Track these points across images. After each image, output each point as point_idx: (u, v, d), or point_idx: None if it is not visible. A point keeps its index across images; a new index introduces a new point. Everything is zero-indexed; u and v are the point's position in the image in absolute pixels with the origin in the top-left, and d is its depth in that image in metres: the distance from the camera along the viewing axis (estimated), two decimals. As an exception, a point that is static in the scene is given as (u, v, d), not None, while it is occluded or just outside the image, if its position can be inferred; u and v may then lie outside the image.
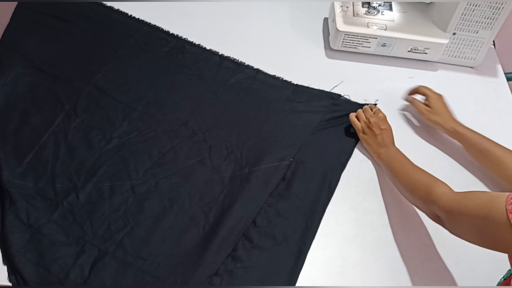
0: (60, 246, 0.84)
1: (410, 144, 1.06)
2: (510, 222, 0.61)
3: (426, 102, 1.07)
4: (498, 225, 0.63)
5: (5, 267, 0.81)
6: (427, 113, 1.05)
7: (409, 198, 0.91)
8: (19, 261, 0.80)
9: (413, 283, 0.87)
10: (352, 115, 1.05)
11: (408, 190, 0.89)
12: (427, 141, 1.08)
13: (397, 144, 1.01)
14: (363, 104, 1.09)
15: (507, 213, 0.62)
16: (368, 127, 1.01)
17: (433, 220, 0.83)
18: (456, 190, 0.97)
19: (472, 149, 1.00)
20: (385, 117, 1.03)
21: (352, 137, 1.05)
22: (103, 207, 0.89)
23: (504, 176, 0.94)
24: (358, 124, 1.03)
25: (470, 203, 0.71)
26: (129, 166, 0.95)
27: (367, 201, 0.97)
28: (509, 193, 0.64)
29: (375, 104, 1.09)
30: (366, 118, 1.02)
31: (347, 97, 1.11)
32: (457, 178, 1.01)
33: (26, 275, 0.79)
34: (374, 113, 1.03)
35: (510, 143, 1.10)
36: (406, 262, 0.90)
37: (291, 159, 0.98)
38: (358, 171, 1.01)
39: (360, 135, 1.03)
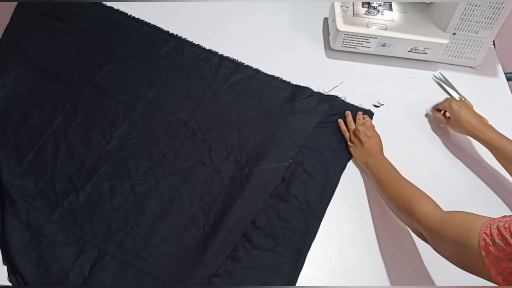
0: (60, 246, 0.84)
1: (408, 145, 1.06)
2: (483, 259, 0.62)
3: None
4: (474, 258, 0.63)
5: (5, 267, 0.81)
6: (453, 127, 1.02)
7: (393, 211, 0.90)
8: (19, 261, 0.80)
9: (413, 283, 0.87)
10: (342, 123, 1.05)
11: (392, 204, 0.88)
12: (427, 143, 1.08)
13: (394, 147, 1.00)
14: (358, 106, 1.10)
15: (480, 248, 0.62)
16: (355, 135, 1.01)
17: (417, 236, 0.82)
18: (450, 195, 0.96)
19: (500, 156, 0.95)
20: (372, 126, 1.02)
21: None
22: (103, 207, 0.89)
23: None
24: (346, 134, 1.04)
25: (449, 230, 0.70)
26: (129, 166, 0.95)
27: (367, 201, 0.97)
28: (483, 221, 0.64)
29: (377, 106, 1.10)
30: (355, 126, 1.03)
31: (343, 99, 1.11)
32: (456, 180, 1.02)
33: (26, 275, 0.79)
34: (363, 122, 1.03)
35: (510, 143, 1.10)
36: (406, 262, 0.90)
37: (290, 160, 0.98)
38: (358, 171, 1.01)
39: (348, 144, 1.03)
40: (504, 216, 0.63)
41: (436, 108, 1.09)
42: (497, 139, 0.95)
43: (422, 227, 0.77)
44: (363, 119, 1.05)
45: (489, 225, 0.63)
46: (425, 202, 0.81)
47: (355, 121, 1.06)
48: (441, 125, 1.09)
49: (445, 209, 0.78)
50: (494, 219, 0.64)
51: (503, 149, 0.93)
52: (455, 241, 0.68)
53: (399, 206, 0.85)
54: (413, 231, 0.83)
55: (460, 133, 1.03)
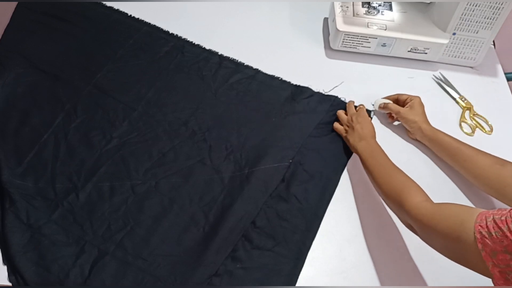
0: (60, 246, 0.84)
1: (408, 145, 1.06)
2: (480, 251, 0.61)
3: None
4: (470, 251, 0.63)
5: (5, 267, 0.81)
6: (405, 112, 1.03)
7: (383, 199, 0.89)
8: (19, 261, 0.80)
9: (413, 283, 0.87)
10: (336, 123, 1.06)
11: (382, 192, 0.87)
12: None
13: (394, 146, 1.00)
14: (357, 107, 1.10)
15: (476, 241, 0.62)
16: (348, 125, 1.01)
17: (406, 226, 0.81)
18: (451, 195, 0.96)
19: (444, 151, 0.99)
20: (364, 113, 1.02)
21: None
22: (103, 207, 0.89)
23: (474, 175, 0.93)
24: (341, 129, 1.03)
25: (441, 222, 0.70)
26: (129, 166, 0.95)
27: (367, 201, 0.97)
28: (477, 214, 0.64)
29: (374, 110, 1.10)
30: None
31: (343, 99, 1.11)
32: (457, 180, 1.02)
33: (26, 275, 0.79)
34: (355, 111, 1.04)
35: (510, 143, 1.10)
36: (406, 262, 0.90)
37: (290, 160, 0.98)
38: (358, 171, 1.01)
39: (343, 136, 1.02)
40: (499, 209, 0.63)
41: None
42: (443, 134, 1.00)
43: (412, 219, 0.77)
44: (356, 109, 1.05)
45: (484, 218, 0.63)
46: (414, 192, 0.80)
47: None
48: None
49: None
50: (488, 211, 0.64)
51: (450, 143, 0.98)
52: (447, 234, 0.68)
53: (389, 196, 0.84)
54: (402, 221, 0.83)
55: (409, 123, 1.04)
